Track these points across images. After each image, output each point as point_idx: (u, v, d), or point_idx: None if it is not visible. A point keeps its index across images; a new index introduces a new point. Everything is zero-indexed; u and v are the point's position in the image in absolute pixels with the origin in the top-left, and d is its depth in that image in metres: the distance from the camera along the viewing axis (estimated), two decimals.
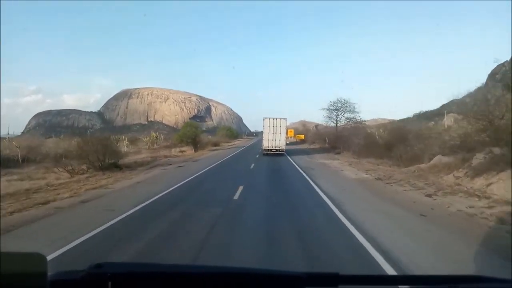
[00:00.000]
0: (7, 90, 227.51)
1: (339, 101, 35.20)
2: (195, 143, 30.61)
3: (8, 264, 0.76)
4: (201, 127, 34.50)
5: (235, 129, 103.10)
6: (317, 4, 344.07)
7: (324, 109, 36.16)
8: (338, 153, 25.07)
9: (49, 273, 0.87)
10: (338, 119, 35.37)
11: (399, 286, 1.30)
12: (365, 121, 34.78)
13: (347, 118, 34.57)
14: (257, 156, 24.12)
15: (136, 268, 1.10)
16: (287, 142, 50.22)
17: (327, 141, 33.95)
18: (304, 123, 58.48)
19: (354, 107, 34.36)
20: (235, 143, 57.28)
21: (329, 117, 35.96)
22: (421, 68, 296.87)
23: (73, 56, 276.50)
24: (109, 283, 0.91)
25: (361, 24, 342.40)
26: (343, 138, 28.03)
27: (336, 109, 35.36)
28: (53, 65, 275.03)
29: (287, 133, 61.18)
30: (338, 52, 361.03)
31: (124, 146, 35.83)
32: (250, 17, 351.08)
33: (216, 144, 41.80)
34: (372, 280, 1.23)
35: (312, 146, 38.84)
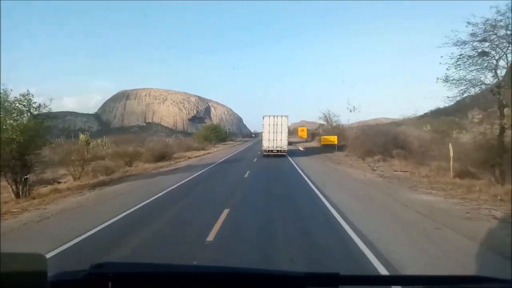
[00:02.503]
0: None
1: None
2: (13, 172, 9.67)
3: (9, 264, 0.72)
4: (44, 119, 12.42)
5: (224, 128, 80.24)
6: (317, 4, 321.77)
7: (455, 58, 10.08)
8: None
9: (49, 274, 0.81)
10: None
11: (400, 287, 1.17)
12: None
13: None
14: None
15: (136, 269, 1.05)
16: (302, 149, 30.10)
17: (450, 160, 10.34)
18: (326, 119, 37.00)
19: None
20: (212, 151, 34.77)
21: (457, 81, 9.92)
22: (425, 65, 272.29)
23: (73, 59, 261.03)
24: (110, 283, 0.87)
25: (363, 22, 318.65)
26: None
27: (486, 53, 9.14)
28: (52, 68, 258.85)
29: (297, 133, 41.22)
30: (339, 51, 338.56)
31: None
32: (250, 17, 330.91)
33: (160, 158, 20.97)
34: (373, 280, 1.18)
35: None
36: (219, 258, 4.37)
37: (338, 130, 29.22)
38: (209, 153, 30.20)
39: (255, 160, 21.43)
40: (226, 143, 55.67)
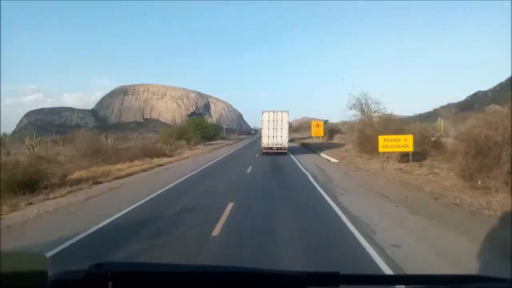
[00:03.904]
0: (6, 90, 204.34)
1: None
2: None
3: (9, 264, 0.72)
4: None
5: (216, 124, 66.58)
6: (318, 3, 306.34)
7: None
8: None
9: (49, 273, 0.81)
10: None
11: (401, 286, 1.20)
12: None
13: None
14: None
15: (136, 268, 1.05)
16: (335, 159, 17.36)
17: None
18: (361, 108, 23.68)
19: None
20: (178, 159, 20.66)
21: None
22: (431, 63, 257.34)
23: (73, 55, 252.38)
24: (110, 283, 0.87)
25: (363, 22, 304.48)
26: None
27: None
28: (52, 64, 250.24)
29: (304, 129, 30.07)
30: (341, 50, 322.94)
31: None
32: (250, 14, 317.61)
33: (30, 184, 8.55)
34: (374, 280, 1.16)
35: None
36: None
37: (397, 125, 14.71)
38: (160, 165, 16.35)
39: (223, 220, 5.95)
40: (212, 142, 42.67)
